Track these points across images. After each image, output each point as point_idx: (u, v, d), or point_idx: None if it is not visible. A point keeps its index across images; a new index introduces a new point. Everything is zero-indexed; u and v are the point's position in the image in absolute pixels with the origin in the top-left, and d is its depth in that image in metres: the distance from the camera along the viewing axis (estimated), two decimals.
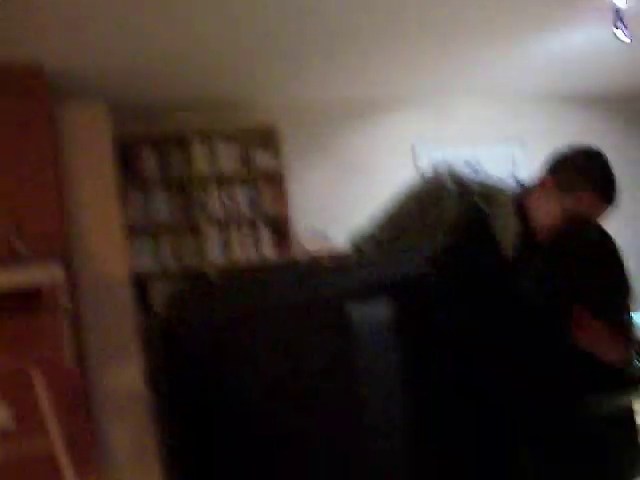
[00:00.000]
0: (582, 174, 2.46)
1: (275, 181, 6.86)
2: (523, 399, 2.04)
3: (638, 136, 8.71)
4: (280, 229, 6.85)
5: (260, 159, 6.82)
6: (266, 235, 6.77)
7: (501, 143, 7.97)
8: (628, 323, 2.36)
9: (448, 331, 1.96)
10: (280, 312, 2.52)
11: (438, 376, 1.95)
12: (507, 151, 7.98)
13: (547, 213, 2.49)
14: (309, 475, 2.74)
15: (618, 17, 5.73)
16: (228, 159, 6.73)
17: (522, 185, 2.61)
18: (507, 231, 2.43)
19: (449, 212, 2.39)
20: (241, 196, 6.74)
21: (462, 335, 1.98)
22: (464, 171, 2.58)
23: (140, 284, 6.24)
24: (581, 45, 6.72)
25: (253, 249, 6.69)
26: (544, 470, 2.14)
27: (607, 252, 2.41)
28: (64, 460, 3.76)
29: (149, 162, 6.47)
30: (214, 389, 3.00)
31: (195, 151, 6.54)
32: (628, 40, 5.85)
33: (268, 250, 6.72)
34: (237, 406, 2.98)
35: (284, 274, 2.65)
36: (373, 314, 1.97)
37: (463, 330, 1.97)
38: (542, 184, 2.53)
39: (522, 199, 2.54)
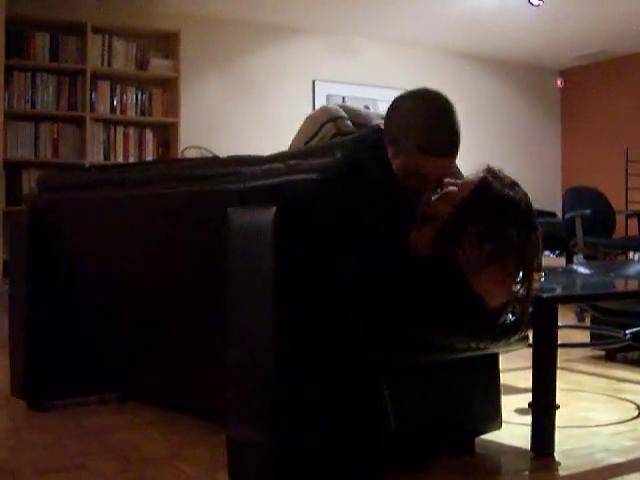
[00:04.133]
0: (405, 129, 2.19)
1: (169, 89, 6.73)
2: (388, 325, 2.07)
3: (526, 100, 9.03)
4: (167, 137, 6.75)
5: (156, 64, 6.67)
6: (151, 141, 6.66)
7: (399, 89, 8.00)
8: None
9: (326, 240, 1.99)
10: (154, 202, 2.52)
11: (310, 284, 1.99)
12: None
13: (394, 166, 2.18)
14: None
15: None
16: (124, 59, 6.55)
17: None
18: None
19: (348, 134, 2.30)
20: (132, 98, 6.58)
21: (338, 247, 2.01)
22: (363, 110, 2.54)
23: (12, 171, 6.07)
24: (495, 7, 6.83)
25: (136, 153, 6.57)
26: (401, 400, 2.17)
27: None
28: None
29: (41, 48, 6.21)
30: (78, 260, 3.01)
31: (91, 44, 6.32)
32: (540, 2, 6.00)
33: (151, 156, 6.62)
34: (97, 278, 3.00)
35: (166, 170, 2.64)
36: (254, 219, 1.98)
37: (334, 243, 2.01)
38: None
39: None
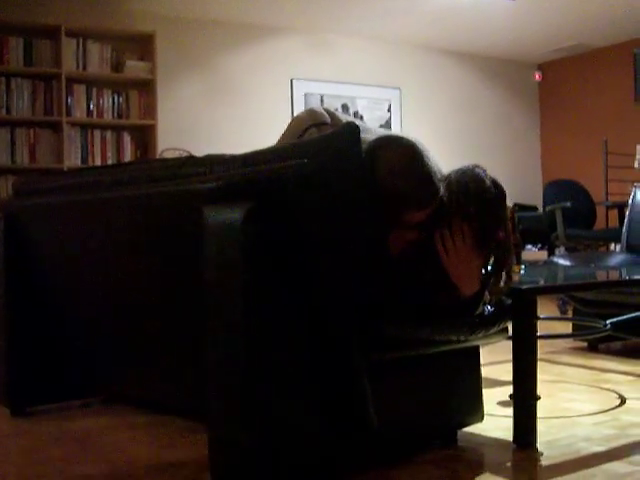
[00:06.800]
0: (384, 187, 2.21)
1: (145, 91, 6.69)
2: (369, 321, 2.07)
3: (505, 94, 9.06)
4: (145, 139, 6.72)
5: (132, 66, 6.62)
6: (129, 143, 6.63)
7: (377, 86, 8.06)
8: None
9: (301, 237, 1.99)
10: (130, 203, 2.50)
11: (285, 281, 1.98)
12: (382, 94, 8.09)
13: None
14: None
15: None
16: (99, 61, 6.50)
17: None
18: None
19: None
20: (108, 101, 6.54)
21: (313, 244, 2.01)
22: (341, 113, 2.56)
23: None
24: (472, 1, 6.85)
25: (114, 156, 6.54)
26: (384, 395, 2.17)
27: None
28: None
29: (14, 52, 6.16)
30: (54, 266, 2.98)
31: (65, 47, 6.27)
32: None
33: (129, 160, 6.58)
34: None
35: (140, 171, 2.62)
36: (227, 216, 1.97)
37: (309, 240, 2.01)
38: None
39: None
